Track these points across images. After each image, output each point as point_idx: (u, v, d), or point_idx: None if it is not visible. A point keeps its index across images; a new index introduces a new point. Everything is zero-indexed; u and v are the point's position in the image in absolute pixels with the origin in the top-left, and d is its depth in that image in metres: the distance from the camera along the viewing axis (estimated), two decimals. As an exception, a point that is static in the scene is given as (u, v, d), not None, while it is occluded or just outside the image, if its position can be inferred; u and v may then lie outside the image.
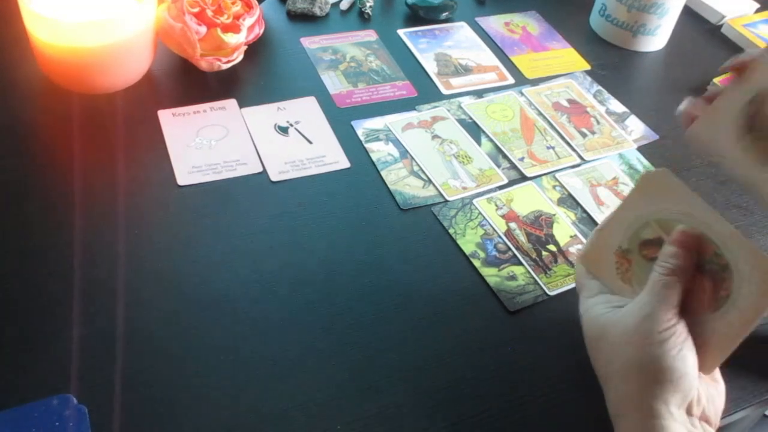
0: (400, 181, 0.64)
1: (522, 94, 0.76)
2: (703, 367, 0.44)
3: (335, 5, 0.85)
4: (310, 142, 0.67)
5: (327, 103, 0.71)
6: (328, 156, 0.66)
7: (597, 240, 0.51)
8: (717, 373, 0.47)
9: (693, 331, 0.44)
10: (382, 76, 0.76)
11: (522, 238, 0.61)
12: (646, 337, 0.43)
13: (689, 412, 0.43)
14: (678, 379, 0.42)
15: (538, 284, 0.57)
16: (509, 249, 0.60)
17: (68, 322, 0.50)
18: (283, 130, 0.67)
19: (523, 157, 0.68)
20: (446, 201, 0.63)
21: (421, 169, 0.65)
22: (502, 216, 0.62)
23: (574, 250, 0.60)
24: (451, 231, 0.60)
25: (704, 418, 0.44)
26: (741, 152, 0.48)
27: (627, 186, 0.67)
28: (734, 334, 0.44)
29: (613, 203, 0.65)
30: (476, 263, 0.58)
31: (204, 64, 0.68)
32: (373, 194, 0.63)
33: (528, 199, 0.64)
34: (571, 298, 0.57)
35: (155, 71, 0.71)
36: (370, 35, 0.81)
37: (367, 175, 0.65)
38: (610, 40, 0.86)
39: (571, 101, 0.76)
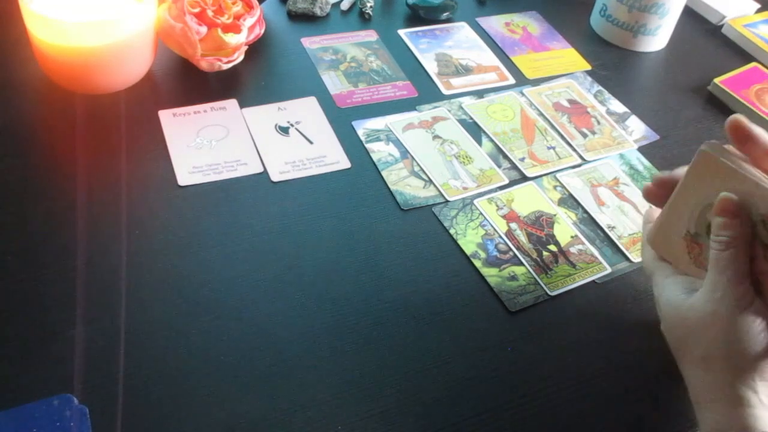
0: (400, 182, 0.64)
1: (522, 94, 0.76)
2: None
3: (336, 5, 0.85)
4: (311, 143, 0.67)
5: (327, 104, 0.71)
6: (329, 156, 0.66)
7: (662, 225, 0.49)
8: None
9: None
10: (383, 76, 0.76)
11: (523, 238, 0.61)
12: (723, 321, 0.41)
13: None
14: (763, 365, 0.40)
15: (539, 284, 0.57)
16: (510, 249, 0.60)
17: (69, 322, 0.50)
18: (284, 130, 0.67)
19: (524, 158, 0.68)
20: (447, 201, 0.63)
21: (422, 170, 0.65)
22: (503, 216, 0.62)
23: (574, 250, 0.60)
24: (451, 231, 0.60)
25: None
26: None
27: (628, 186, 0.67)
28: None
29: (613, 203, 0.65)
30: (477, 263, 0.58)
31: (204, 65, 0.68)
32: (373, 194, 0.63)
33: (529, 200, 0.64)
34: (572, 298, 0.57)
35: (156, 71, 0.71)
36: (370, 35, 0.81)
37: (368, 175, 0.65)
38: (610, 40, 0.86)
39: (571, 101, 0.76)
